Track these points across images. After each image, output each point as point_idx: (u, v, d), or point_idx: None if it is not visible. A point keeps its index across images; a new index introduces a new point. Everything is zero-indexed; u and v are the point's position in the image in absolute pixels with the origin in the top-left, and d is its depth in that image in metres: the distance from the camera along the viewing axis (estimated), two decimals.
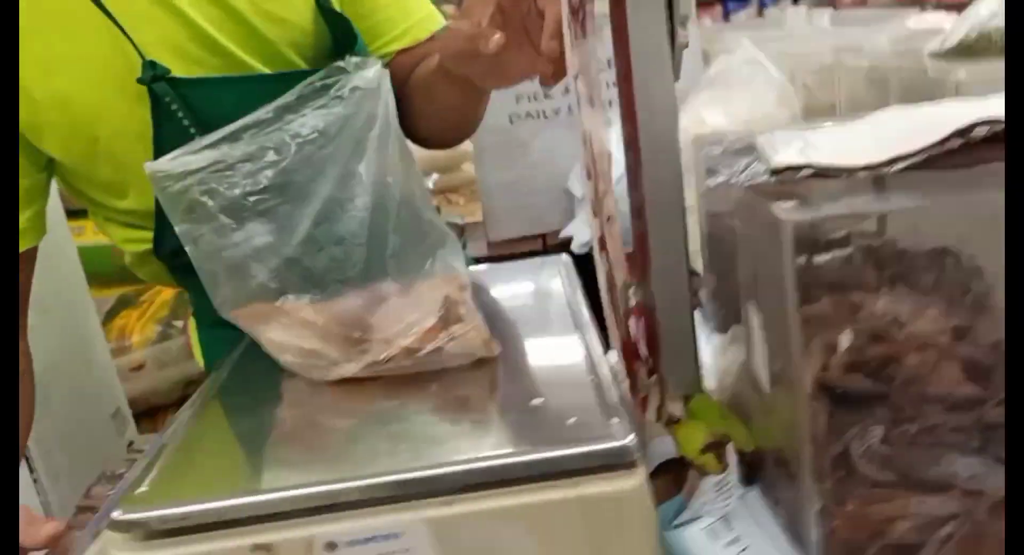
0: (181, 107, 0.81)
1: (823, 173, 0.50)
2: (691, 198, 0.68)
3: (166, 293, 2.08)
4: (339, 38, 0.89)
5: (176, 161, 0.62)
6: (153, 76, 0.80)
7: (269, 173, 0.59)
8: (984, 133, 0.48)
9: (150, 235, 0.93)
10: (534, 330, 0.74)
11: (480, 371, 0.65)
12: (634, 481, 0.52)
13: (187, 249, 0.63)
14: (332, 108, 0.61)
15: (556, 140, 1.87)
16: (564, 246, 1.73)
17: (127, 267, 1.07)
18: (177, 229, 0.63)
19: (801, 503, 0.53)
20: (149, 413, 1.83)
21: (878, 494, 0.51)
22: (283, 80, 0.87)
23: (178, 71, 0.82)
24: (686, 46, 0.61)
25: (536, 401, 0.59)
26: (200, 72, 0.84)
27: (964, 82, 0.94)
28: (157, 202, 0.88)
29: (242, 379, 0.71)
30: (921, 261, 0.51)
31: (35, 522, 0.66)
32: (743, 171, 0.56)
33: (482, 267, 0.93)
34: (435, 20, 0.98)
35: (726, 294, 0.70)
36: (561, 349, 0.69)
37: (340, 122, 0.60)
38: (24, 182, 0.85)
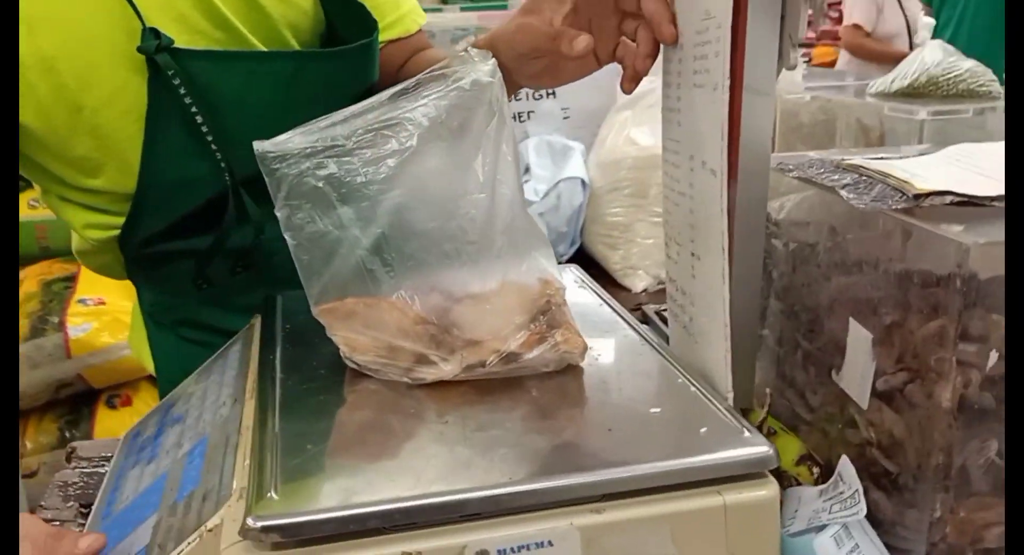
0: (183, 81, 0.75)
1: (966, 202, 0.54)
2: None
3: (29, 283, 1.88)
4: (337, 25, 0.85)
5: (291, 142, 0.56)
6: (157, 45, 0.73)
7: (391, 162, 0.56)
8: None
9: (117, 221, 0.84)
10: (593, 336, 0.74)
11: (570, 377, 0.64)
12: (771, 489, 0.53)
13: (287, 235, 0.58)
14: (452, 99, 0.58)
15: None
16: None
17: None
18: (279, 214, 0.58)
19: (912, 512, 0.56)
20: None
21: (982, 502, 0.55)
22: (288, 59, 0.82)
23: (180, 42, 0.75)
24: (794, 68, 0.64)
25: (655, 410, 0.59)
26: (203, 45, 0.77)
27: (927, 120, 1.04)
28: (141, 184, 0.80)
29: (296, 376, 0.66)
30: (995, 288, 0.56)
31: (64, 536, 0.58)
32: (855, 190, 0.59)
33: None
34: (421, 15, 0.97)
35: (787, 311, 0.73)
36: (635, 356, 0.69)
37: (461, 114, 0.58)
38: None
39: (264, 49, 0.81)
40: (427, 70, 0.59)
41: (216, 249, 0.85)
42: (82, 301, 1.67)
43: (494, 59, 0.61)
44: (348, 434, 0.58)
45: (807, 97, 1.33)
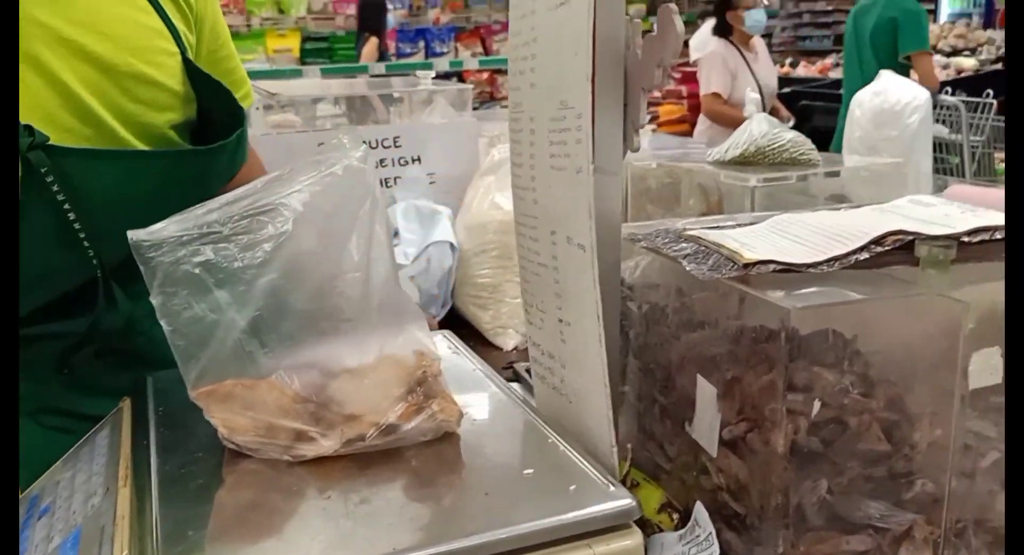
0: (56, 178, 0.75)
1: (787, 269, 0.61)
2: None
3: None
4: (206, 108, 0.88)
5: (166, 230, 0.58)
6: (31, 143, 0.72)
7: (267, 246, 0.58)
8: (894, 243, 0.63)
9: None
10: (468, 401, 0.77)
11: (447, 444, 0.67)
12: (636, 539, 0.58)
13: (162, 321, 0.59)
14: (325, 184, 0.61)
15: None
16: None
17: None
18: (154, 301, 0.59)
19: (759, 549, 0.62)
20: None
21: (819, 536, 0.62)
22: (164, 158, 0.84)
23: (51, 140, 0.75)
24: (637, 150, 0.71)
25: (528, 471, 0.63)
26: (71, 142, 0.78)
27: (758, 186, 1.16)
28: (39, 277, 0.79)
29: (173, 459, 0.66)
30: (820, 343, 0.64)
31: None
32: (694, 260, 0.66)
33: None
34: (252, 95, 1.03)
35: (643, 369, 0.79)
36: (507, 419, 0.73)
37: (335, 199, 0.61)
38: None
39: (137, 143, 0.82)
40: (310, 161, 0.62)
41: (88, 337, 0.84)
42: None
43: (365, 145, 0.65)
44: (231, 516, 0.58)
45: (654, 164, 1.44)
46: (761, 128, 1.32)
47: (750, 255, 0.63)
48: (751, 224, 0.78)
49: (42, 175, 0.73)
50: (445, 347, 0.92)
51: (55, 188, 0.75)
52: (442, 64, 5.31)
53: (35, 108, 0.75)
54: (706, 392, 0.67)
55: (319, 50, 7.67)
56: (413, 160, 1.89)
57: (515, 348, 1.60)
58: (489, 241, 1.67)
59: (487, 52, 6.24)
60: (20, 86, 0.74)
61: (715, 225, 0.79)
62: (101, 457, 0.75)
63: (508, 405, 0.76)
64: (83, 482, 0.73)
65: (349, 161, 0.63)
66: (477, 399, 0.78)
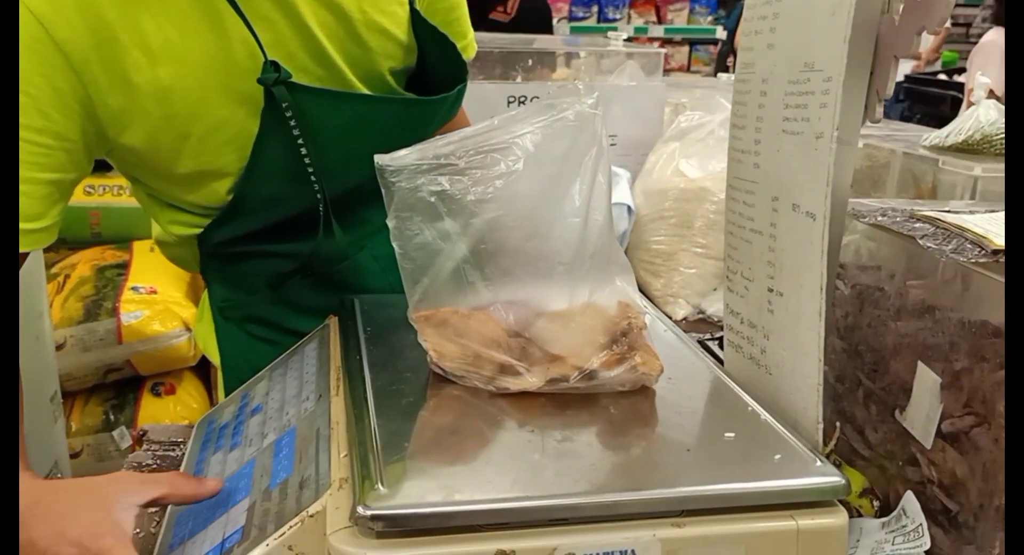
0: (295, 114, 0.79)
1: None
2: None
3: (82, 268, 1.93)
4: (428, 60, 0.90)
5: (408, 157, 0.61)
6: (276, 78, 0.77)
7: (499, 183, 0.60)
8: None
9: (203, 222, 0.89)
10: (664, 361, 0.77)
11: (644, 398, 0.68)
12: (842, 517, 0.56)
13: (395, 244, 0.62)
14: (558, 128, 0.62)
15: None
16: None
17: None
18: (391, 223, 0.62)
19: (970, 548, 0.59)
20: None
21: None
22: (393, 104, 0.88)
23: None
24: (878, 121, 0.67)
25: (729, 434, 0.62)
26: (305, 80, 0.82)
27: (981, 177, 1.08)
28: (236, 197, 0.84)
29: (383, 377, 0.69)
30: None
31: (188, 477, 0.65)
32: (934, 240, 0.63)
33: None
34: (475, 45, 1.02)
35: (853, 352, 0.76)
36: (704, 382, 0.72)
37: (566, 143, 0.62)
38: (72, 176, 0.77)
39: (360, 86, 0.86)
40: (546, 103, 0.63)
41: (304, 261, 0.90)
42: (135, 289, 1.71)
43: (597, 93, 0.65)
44: (442, 436, 0.61)
45: (860, 143, 1.36)
46: (990, 115, 1.22)
47: (1000, 242, 0.58)
48: (988, 212, 0.73)
49: (282, 109, 0.78)
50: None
51: (292, 123, 0.79)
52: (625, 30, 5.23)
53: (279, 46, 0.79)
54: (927, 381, 0.63)
55: None
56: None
57: (684, 319, 1.58)
58: (668, 208, 1.64)
59: (660, 21, 6.09)
60: (267, 22, 0.78)
61: (948, 209, 0.74)
62: (311, 367, 0.80)
63: (703, 369, 0.75)
64: (294, 389, 0.78)
65: (582, 107, 0.63)
66: (671, 359, 0.78)
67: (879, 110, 0.68)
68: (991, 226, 0.65)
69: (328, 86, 0.83)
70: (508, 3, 3.17)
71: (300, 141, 0.81)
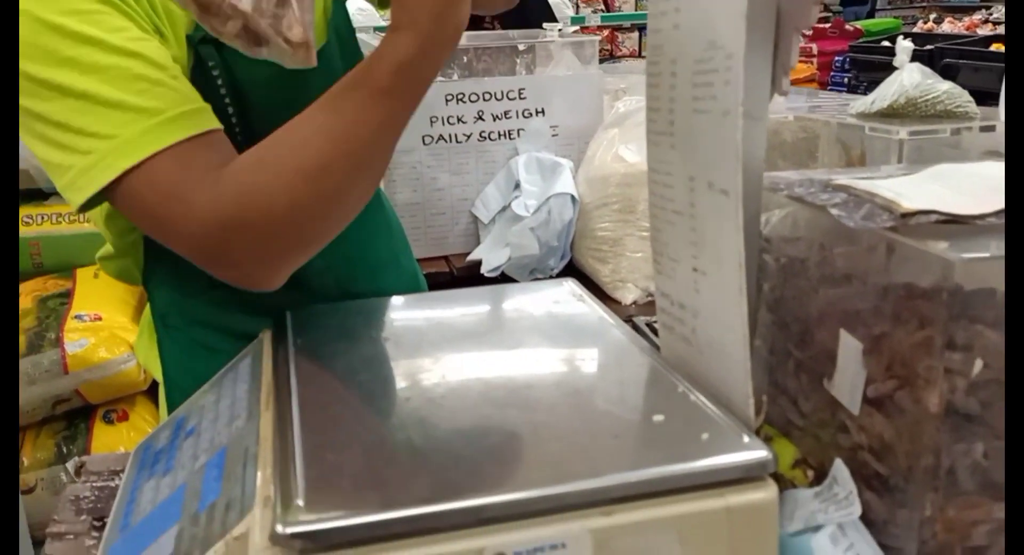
0: (222, 73, 0.77)
1: (950, 219, 0.57)
2: None
3: (23, 300, 1.89)
4: None
5: None
6: (203, 37, 0.76)
7: None
8: None
9: None
10: (594, 348, 0.77)
11: (576, 388, 0.67)
12: (771, 492, 0.56)
13: None
14: None
15: (464, 165, 1.93)
16: (471, 269, 1.78)
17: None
18: None
19: (903, 511, 0.60)
20: None
21: (969, 501, 0.59)
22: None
23: None
24: (786, 94, 0.67)
25: (658, 417, 0.62)
26: None
27: (907, 139, 1.09)
28: None
29: (311, 389, 0.68)
30: (985, 300, 0.59)
31: None
32: (844, 209, 0.63)
33: (504, 288, 0.95)
34: None
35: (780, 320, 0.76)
36: (634, 366, 0.72)
37: None
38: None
39: None
40: None
41: None
42: (78, 317, 1.68)
43: None
44: (366, 446, 0.60)
45: (790, 116, 1.38)
46: (913, 78, 1.23)
47: (908, 205, 0.59)
48: (904, 175, 0.73)
49: (209, 68, 0.76)
50: (570, 294, 0.91)
51: (219, 82, 0.77)
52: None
53: None
54: (850, 348, 0.64)
55: None
56: (537, 112, 1.88)
57: (634, 302, 1.59)
58: (611, 194, 1.65)
59: (608, 8, 6.11)
60: None
61: (865, 176, 0.74)
62: (243, 384, 0.78)
63: (635, 353, 0.75)
64: (227, 406, 0.76)
65: None
66: (603, 345, 0.78)
67: (786, 82, 0.68)
68: (903, 189, 0.65)
69: None
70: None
71: (227, 99, 0.78)
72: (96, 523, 0.82)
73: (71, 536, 0.81)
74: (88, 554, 0.76)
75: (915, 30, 3.73)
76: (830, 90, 3.84)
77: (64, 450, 1.60)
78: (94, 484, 0.89)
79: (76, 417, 1.65)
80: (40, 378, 1.62)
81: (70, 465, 1.43)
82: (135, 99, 0.68)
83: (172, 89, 0.70)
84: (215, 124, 0.72)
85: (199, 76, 0.77)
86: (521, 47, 2.07)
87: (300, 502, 0.51)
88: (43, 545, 0.80)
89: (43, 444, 1.61)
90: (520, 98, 1.89)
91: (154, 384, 1.72)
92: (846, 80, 4.29)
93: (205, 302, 0.95)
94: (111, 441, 1.59)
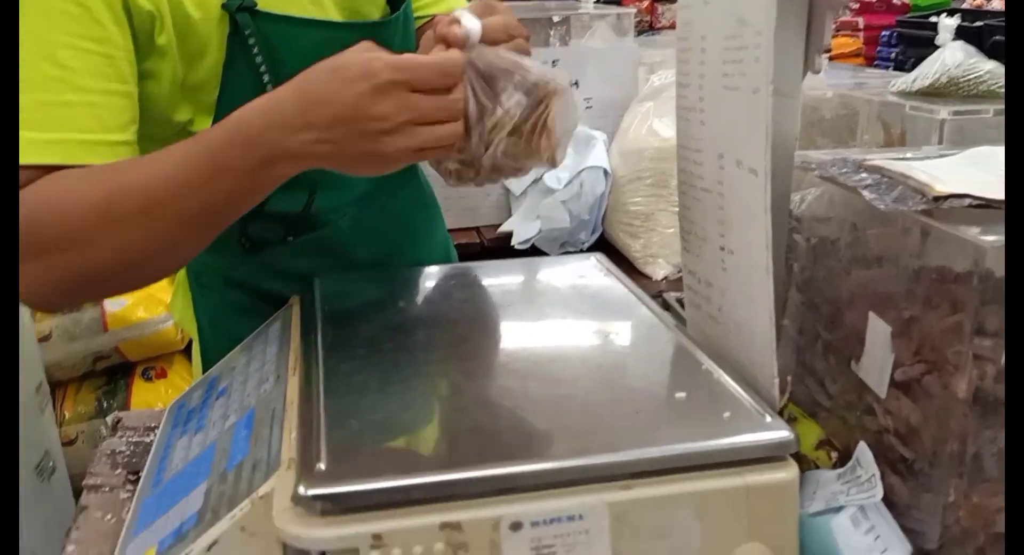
0: (258, 42, 0.77)
1: (983, 204, 0.56)
2: None
3: None
4: None
5: None
6: (240, 5, 0.75)
7: None
8: None
9: None
10: (619, 323, 0.77)
11: (601, 363, 0.67)
12: (791, 472, 0.56)
13: None
14: None
15: None
16: (502, 240, 1.77)
17: None
18: None
19: (927, 496, 0.59)
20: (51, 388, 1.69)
21: (994, 488, 0.58)
22: (357, 30, 0.85)
23: (263, 5, 0.77)
24: (819, 72, 0.66)
25: (680, 394, 0.62)
26: (283, 8, 0.80)
27: (948, 119, 1.06)
28: None
29: (337, 355, 0.69)
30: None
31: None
32: (876, 191, 0.62)
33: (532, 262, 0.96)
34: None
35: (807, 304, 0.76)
36: (659, 343, 0.72)
37: None
38: (136, 89, 0.74)
39: (336, 17, 0.84)
40: None
41: (258, 209, 0.87)
42: None
43: None
44: (389, 411, 0.61)
45: (829, 93, 1.35)
46: (956, 57, 1.20)
47: (941, 188, 0.58)
48: (941, 157, 0.72)
49: (246, 37, 0.76)
50: (596, 268, 0.91)
51: (255, 50, 0.77)
52: None
53: None
54: (879, 331, 0.63)
55: None
56: (571, 84, 1.86)
57: (665, 278, 1.58)
58: (644, 168, 1.63)
59: None
60: None
61: (901, 157, 0.73)
62: (273, 348, 0.80)
63: (661, 329, 0.75)
64: (257, 369, 0.78)
65: None
66: (628, 321, 0.78)
67: (820, 61, 0.67)
68: (938, 171, 0.64)
69: (298, 13, 0.81)
70: None
71: (263, 69, 0.78)
72: (131, 477, 0.84)
73: (107, 489, 0.83)
74: (122, 506, 0.78)
75: (964, 6, 3.60)
76: (876, 66, 3.75)
77: (104, 405, 1.64)
78: (130, 439, 0.91)
79: (116, 373, 1.69)
80: (80, 335, 1.66)
81: (109, 419, 1.47)
82: (33, 112, 0.67)
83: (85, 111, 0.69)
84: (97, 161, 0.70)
85: (236, 43, 0.77)
86: (556, 18, 2.04)
87: (322, 466, 0.52)
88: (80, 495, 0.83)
89: (84, 399, 1.65)
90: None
91: (191, 343, 1.76)
92: (893, 55, 4.18)
93: (239, 264, 0.96)
94: (150, 397, 1.63)
